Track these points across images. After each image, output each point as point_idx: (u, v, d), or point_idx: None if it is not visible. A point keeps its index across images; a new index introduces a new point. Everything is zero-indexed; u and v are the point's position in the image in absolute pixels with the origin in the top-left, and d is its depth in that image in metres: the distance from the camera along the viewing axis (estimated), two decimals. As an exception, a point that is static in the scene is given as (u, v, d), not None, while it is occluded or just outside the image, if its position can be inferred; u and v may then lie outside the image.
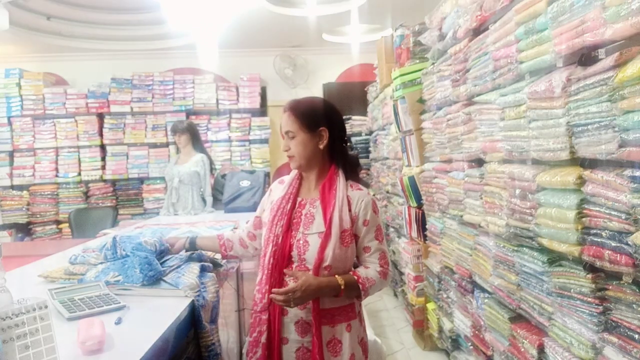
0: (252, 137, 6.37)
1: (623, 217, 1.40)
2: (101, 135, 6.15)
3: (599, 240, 1.51)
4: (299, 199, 1.71)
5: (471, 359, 2.75)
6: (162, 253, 1.84)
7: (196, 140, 4.26)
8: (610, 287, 1.51)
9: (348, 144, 1.82)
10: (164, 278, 1.70)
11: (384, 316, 4.40)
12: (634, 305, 1.40)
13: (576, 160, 1.66)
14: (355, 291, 1.61)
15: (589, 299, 1.58)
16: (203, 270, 1.81)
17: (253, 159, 6.35)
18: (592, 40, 1.49)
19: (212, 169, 4.28)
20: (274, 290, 1.55)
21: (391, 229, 4.79)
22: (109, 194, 6.17)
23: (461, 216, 2.70)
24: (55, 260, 2.25)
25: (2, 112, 5.97)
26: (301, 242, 1.62)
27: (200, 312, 1.60)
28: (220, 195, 4.19)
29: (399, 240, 4.38)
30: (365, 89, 5.88)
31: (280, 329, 1.61)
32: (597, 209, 1.52)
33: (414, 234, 3.71)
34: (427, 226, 3.39)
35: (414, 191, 3.57)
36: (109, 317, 1.41)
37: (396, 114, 3.81)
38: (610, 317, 1.50)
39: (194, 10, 4.44)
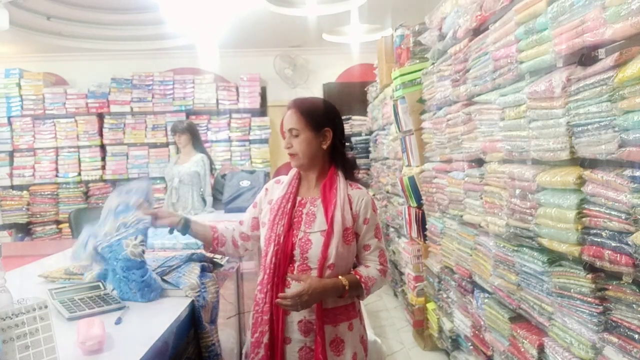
0: (252, 137, 6.37)
1: (623, 217, 1.40)
2: (101, 135, 6.15)
3: (599, 240, 1.51)
4: (298, 198, 1.71)
5: (471, 359, 2.75)
6: (145, 242, 1.67)
7: (196, 140, 4.26)
8: (610, 287, 1.51)
9: (346, 145, 1.82)
10: (165, 277, 1.70)
11: (384, 316, 4.40)
12: (634, 305, 1.40)
13: (576, 160, 1.66)
14: (358, 290, 1.62)
15: (589, 299, 1.58)
16: (203, 270, 1.81)
17: (253, 159, 6.36)
18: (592, 40, 1.49)
19: (212, 169, 4.28)
20: (280, 295, 1.54)
21: (391, 229, 4.79)
22: (109, 194, 6.16)
23: (461, 216, 2.70)
24: (55, 260, 2.25)
25: (2, 112, 5.97)
26: (303, 240, 1.62)
27: (200, 312, 1.60)
28: (220, 195, 4.19)
29: (399, 240, 4.37)
30: (365, 89, 5.88)
31: (284, 328, 1.61)
32: (597, 209, 1.52)
33: (414, 234, 3.71)
34: (427, 226, 3.39)
35: (414, 191, 3.57)
36: (109, 317, 1.41)
37: (396, 114, 3.81)
38: (610, 317, 1.50)
39: (194, 10, 4.44)
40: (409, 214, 3.81)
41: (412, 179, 3.57)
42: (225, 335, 2.36)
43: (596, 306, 1.55)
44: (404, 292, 4.26)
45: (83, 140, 6.12)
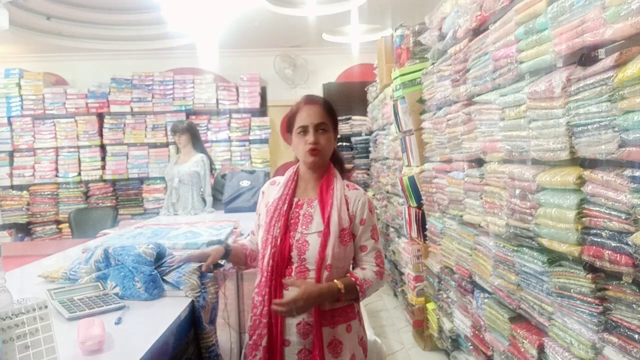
0: (252, 137, 6.37)
1: (623, 217, 1.40)
2: (101, 135, 6.16)
3: (599, 240, 1.51)
4: (295, 200, 1.70)
5: (471, 359, 2.75)
6: (160, 257, 1.78)
7: (196, 140, 4.25)
8: (610, 287, 1.51)
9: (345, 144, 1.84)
10: (165, 277, 1.70)
11: (384, 316, 4.40)
12: (634, 305, 1.40)
13: (576, 160, 1.66)
14: (354, 294, 1.61)
15: (589, 299, 1.58)
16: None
17: (253, 159, 6.36)
18: (592, 40, 1.49)
19: (212, 169, 4.28)
20: (275, 301, 1.53)
21: (391, 229, 4.79)
22: (109, 194, 6.18)
23: (461, 216, 2.70)
24: (55, 260, 2.25)
25: (2, 112, 5.98)
26: (301, 242, 1.61)
27: (200, 312, 1.59)
28: (220, 195, 4.19)
29: (399, 240, 4.37)
30: (365, 89, 5.89)
31: (283, 331, 1.60)
32: (597, 209, 1.52)
33: (414, 234, 3.71)
34: (427, 226, 3.39)
35: (414, 191, 3.57)
36: (109, 317, 1.41)
37: (396, 114, 3.81)
38: (610, 317, 1.50)
39: (194, 10, 4.44)
40: (409, 214, 3.81)
41: (412, 179, 3.57)
42: (225, 335, 2.36)
43: (596, 306, 1.55)
44: (404, 292, 4.26)
45: (83, 140, 6.12)
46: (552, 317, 1.81)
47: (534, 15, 1.81)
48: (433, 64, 3.14)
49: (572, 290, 1.66)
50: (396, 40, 3.95)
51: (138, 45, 5.86)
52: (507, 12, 2.06)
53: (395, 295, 4.78)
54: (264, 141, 6.42)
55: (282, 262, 1.61)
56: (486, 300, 2.43)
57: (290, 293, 1.58)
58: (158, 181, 6.15)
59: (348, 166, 6.51)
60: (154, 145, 6.23)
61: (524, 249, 2.01)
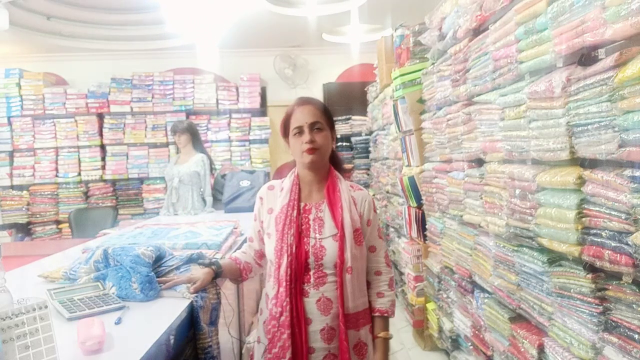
0: (252, 137, 6.37)
1: (623, 217, 1.40)
2: (101, 135, 6.15)
3: (599, 240, 1.51)
4: (302, 204, 1.67)
5: (471, 359, 2.75)
6: (160, 259, 1.77)
7: (196, 140, 4.25)
8: (610, 287, 1.51)
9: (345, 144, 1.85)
10: (164, 278, 1.70)
11: (384, 316, 4.39)
12: (634, 305, 1.40)
13: (576, 160, 1.66)
14: (388, 321, 1.72)
15: (589, 299, 1.58)
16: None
17: (253, 159, 6.36)
18: (592, 40, 1.49)
19: (212, 169, 4.28)
20: None
21: (391, 229, 4.79)
22: (109, 194, 6.18)
23: (461, 216, 2.70)
24: (55, 260, 2.25)
25: (2, 112, 5.97)
26: (317, 247, 1.60)
27: (198, 313, 1.59)
28: (220, 195, 4.19)
29: (399, 240, 4.37)
30: (365, 89, 5.88)
31: (307, 339, 1.58)
32: (597, 209, 1.52)
33: (414, 234, 3.71)
34: (427, 226, 3.39)
35: (414, 191, 3.57)
36: (109, 317, 1.41)
37: (396, 114, 3.81)
38: (610, 317, 1.50)
39: (194, 10, 4.44)
40: (409, 214, 3.81)
41: (412, 179, 3.57)
42: (225, 335, 2.36)
43: (596, 306, 1.55)
44: (404, 292, 4.26)
45: (83, 140, 6.12)
46: (552, 317, 1.81)
47: (534, 15, 1.81)
48: (433, 64, 3.14)
49: (572, 290, 1.66)
50: (396, 40, 3.95)
51: (138, 45, 5.86)
52: (507, 12, 2.06)
53: (395, 295, 4.78)
54: (264, 141, 6.42)
55: (299, 269, 1.59)
56: (486, 300, 2.43)
57: (311, 300, 1.58)
58: (158, 181, 6.15)
59: (348, 166, 6.52)
60: (154, 145, 6.23)
61: (524, 249, 2.01)
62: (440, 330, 3.24)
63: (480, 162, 2.49)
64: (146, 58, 6.34)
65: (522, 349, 2.02)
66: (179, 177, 4.06)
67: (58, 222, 6.10)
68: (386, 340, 1.68)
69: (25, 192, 6.03)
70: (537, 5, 1.78)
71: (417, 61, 3.55)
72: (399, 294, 4.52)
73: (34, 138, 6.07)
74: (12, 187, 6.05)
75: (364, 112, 6.24)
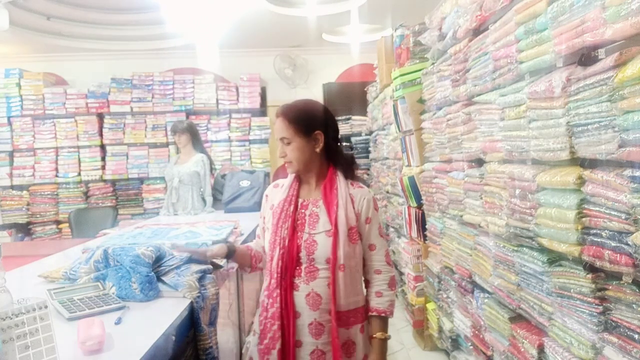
0: (252, 137, 6.37)
1: (623, 217, 1.40)
2: (101, 135, 6.15)
3: (599, 240, 1.51)
4: (300, 200, 1.71)
5: (471, 359, 2.75)
6: (160, 259, 1.77)
7: (196, 140, 4.25)
8: (610, 287, 1.51)
9: (342, 143, 1.83)
10: (163, 278, 1.70)
11: (384, 316, 4.39)
12: (634, 305, 1.40)
13: (576, 160, 1.66)
14: (387, 321, 1.71)
15: (589, 299, 1.58)
16: (203, 271, 1.80)
17: (253, 159, 6.36)
18: (592, 40, 1.49)
19: (212, 169, 4.28)
20: None
21: (391, 229, 4.79)
22: (109, 194, 6.18)
23: (461, 216, 2.70)
24: (55, 260, 2.25)
25: (2, 112, 5.97)
26: (309, 242, 1.62)
27: (199, 313, 1.59)
28: (220, 195, 4.19)
29: (399, 240, 4.37)
30: (365, 89, 5.88)
31: (295, 332, 1.60)
32: (597, 209, 1.52)
33: (414, 234, 3.71)
34: (427, 226, 3.39)
35: (414, 191, 3.57)
36: (109, 317, 1.41)
37: (396, 114, 3.81)
38: (610, 317, 1.50)
39: (194, 10, 4.44)
40: (409, 214, 3.81)
41: (412, 179, 3.57)
42: (225, 335, 2.36)
43: (596, 306, 1.55)
44: (404, 292, 4.26)
45: (83, 140, 6.12)
46: (552, 317, 1.81)
47: (534, 15, 1.81)
48: (433, 64, 3.14)
49: (572, 290, 1.66)
50: (396, 40, 3.95)
51: (138, 45, 5.85)
52: (507, 12, 2.06)
53: (395, 295, 4.78)
54: (264, 141, 6.42)
55: (290, 263, 1.62)
56: (486, 300, 2.43)
57: (301, 294, 1.60)
58: (158, 181, 6.15)
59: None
60: (154, 145, 6.22)
61: (524, 249, 2.01)
62: (440, 330, 3.24)
63: (480, 162, 2.49)
64: (146, 58, 6.33)
65: (522, 349, 2.02)
66: (179, 177, 4.06)
67: (58, 222, 6.09)
68: (383, 340, 1.67)
69: (25, 192, 6.03)
70: (537, 5, 1.78)
71: (417, 61, 3.55)
72: (399, 294, 4.52)
73: (34, 138, 6.06)
74: (12, 187, 6.05)
75: (364, 112, 6.24)
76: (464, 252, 2.69)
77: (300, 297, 1.61)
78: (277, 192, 1.77)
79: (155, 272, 1.69)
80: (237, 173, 4.27)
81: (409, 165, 3.75)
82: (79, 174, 6.12)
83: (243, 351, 1.80)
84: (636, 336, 1.39)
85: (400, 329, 4.06)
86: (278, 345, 1.59)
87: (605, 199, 1.47)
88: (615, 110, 1.39)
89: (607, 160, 1.47)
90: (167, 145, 6.21)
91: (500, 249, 2.22)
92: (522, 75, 1.98)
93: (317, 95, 6.69)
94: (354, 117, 6.54)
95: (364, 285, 1.74)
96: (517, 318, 2.14)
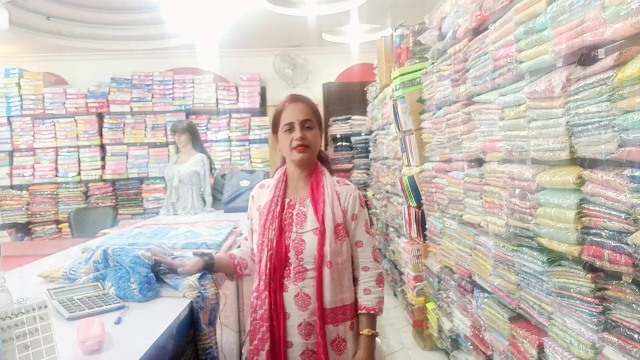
0: (252, 137, 6.37)
1: (623, 217, 1.40)
2: (101, 135, 6.15)
3: (599, 240, 1.51)
4: (287, 201, 1.71)
5: (471, 359, 2.75)
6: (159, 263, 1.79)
7: (196, 140, 4.25)
8: (610, 287, 1.51)
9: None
10: (163, 278, 1.70)
11: (384, 316, 4.39)
12: (634, 305, 1.40)
13: (576, 160, 1.66)
14: (375, 319, 1.69)
15: (589, 299, 1.58)
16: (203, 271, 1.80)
17: (253, 159, 6.36)
18: (592, 40, 1.49)
19: (212, 169, 4.28)
20: None
21: (391, 229, 4.79)
22: (109, 194, 6.18)
23: (461, 216, 2.70)
24: (55, 261, 2.25)
25: (2, 112, 5.97)
26: (297, 242, 1.62)
27: (199, 314, 1.59)
28: (220, 195, 4.19)
29: (399, 240, 4.37)
30: (365, 89, 5.88)
31: (285, 333, 1.61)
32: (597, 209, 1.52)
33: (414, 234, 3.71)
34: (427, 226, 3.39)
35: (414, 191, 3.57)
36: (109, 317, 1.41)
37: (396, 114, 3.81)
38: (610, 317, 1.50)
39: (194, 10, 4.44)
40: (409, 214, 3.81)
41: (412, 179, 3.57)
42: (225, 335, 2.36)
43: (596, 306, 1.55)
44: (404, 292, 4.26)
45: (83, 140, 6.12)
46: (552, 317, 1.81)
47: (534, 15, 1.81)
48: (433, 64, 3.14)
49: (572, 290, 1.66)
50: (396, 40, 3.95)
51: (138, 45, 5.86)
52: (507, 12, 2.06)
53: (395, 295, 4.78)
54: (264, 141, 6.42)
55: (279, 264, 1.62)
56: (486, 300, 2.43)
57: (290, 295, 1.60)
58: (158, 181, 6.15)
59: (347, 166, 6.52)
60: (154, 145, 6.23)
61: (524, 249, 2.01)
62: (440, 330, 3.24)
63: (480, 162, 2.49)
64: (146, 58, 6.34)
65: (522, 349, 2.02)
66: (179, 177, 4.06)
67: (58, 222, 6.10)
68: (370, 337, 1.66)
69: (25, 192, 6.03)
70: (537, 5, 1.78)
71: (417, 61, 3.55)
72: (399, 294, 4.53)
73: (34, 138, 6.06)
74: (12, 187, 6.05)
75: (364, 112, 6.24)
76: (464, 252, 2.69)
77: (289, 298, 1.61)
78: (264, 193, 1.76)
79: (155, 272, 1.69)
80: (237, 173, 4.27)
81: (409, 165, 3.75)
82: (79, 174, 6.12)
83: (243, 351, 1.81)
84: (636, 336, 1.38)
85: (400, 329, 4.06)
86: (267, 347, 1.59)
87: (605, 199, 1.47)
88: (615, 110, 1.39)
89: (607, 160, 1.47)
90: (167, 145, 6.21)
91: (500, 249, 2.22)
92: (522, 75, 1.98)
93: (317, 95, 6.69)
94: (354, 117, 6.55)
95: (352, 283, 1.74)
96: (517, 318, 2.14)
